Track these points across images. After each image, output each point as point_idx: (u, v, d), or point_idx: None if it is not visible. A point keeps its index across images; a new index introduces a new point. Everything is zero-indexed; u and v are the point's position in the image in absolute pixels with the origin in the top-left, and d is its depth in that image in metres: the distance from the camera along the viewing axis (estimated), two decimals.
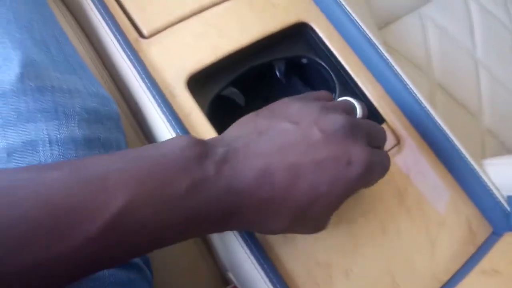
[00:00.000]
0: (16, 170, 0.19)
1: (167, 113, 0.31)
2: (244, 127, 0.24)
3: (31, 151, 0.26)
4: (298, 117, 0.23)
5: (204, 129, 0.31)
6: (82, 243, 0.17)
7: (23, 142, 0.26)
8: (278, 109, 0.25)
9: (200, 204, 0.20)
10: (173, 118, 0.30)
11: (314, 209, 0.23)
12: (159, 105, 0.31)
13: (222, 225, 0.22)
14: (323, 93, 0.28)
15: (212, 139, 0.23)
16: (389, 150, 0.33)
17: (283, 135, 0.23)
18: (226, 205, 0.21)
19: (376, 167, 0.24)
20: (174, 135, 0.30)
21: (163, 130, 0.31)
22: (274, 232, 0.25)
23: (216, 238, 0.32)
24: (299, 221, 0.23)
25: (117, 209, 0.17)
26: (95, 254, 0.18)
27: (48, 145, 0.27)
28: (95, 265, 0.19)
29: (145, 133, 0.40)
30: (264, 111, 0.25)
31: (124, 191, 0.18)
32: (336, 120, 0.23)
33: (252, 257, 0.27)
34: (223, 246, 0.31)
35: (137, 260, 0.29)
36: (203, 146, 0.21)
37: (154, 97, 0.31)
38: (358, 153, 0.22)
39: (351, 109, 0.27)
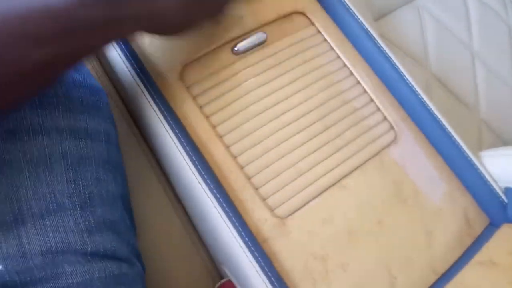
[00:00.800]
0: None
1: (160, 104, 0.30)
2: None
3: None
4: None
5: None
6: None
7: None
8: None
9: None
10: (166, 109, 0.30)
11: None
12: (151, 96, 0.30)
13: (116, 12, 0.22)
14: None
15: None
16: (386, 142, 0.33)
17: None
18: None
19: None
20: (165, 124, 0.30)
21: (154, 118, 0.31)
22: (176, 25, 0.25)
23: (209, 232, 0.32)
24: None
25: None
26: None
27: (32, 134, 0.26)
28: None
29: (139, 126, 0.39)
30: None
31: None
32: None
33: (246, 251, 0.27)
34: (216, 239, 0.30)
35: (127, 254, 0.29)
36: None
37: (145, 86, 0.31)
38: None
39: None
